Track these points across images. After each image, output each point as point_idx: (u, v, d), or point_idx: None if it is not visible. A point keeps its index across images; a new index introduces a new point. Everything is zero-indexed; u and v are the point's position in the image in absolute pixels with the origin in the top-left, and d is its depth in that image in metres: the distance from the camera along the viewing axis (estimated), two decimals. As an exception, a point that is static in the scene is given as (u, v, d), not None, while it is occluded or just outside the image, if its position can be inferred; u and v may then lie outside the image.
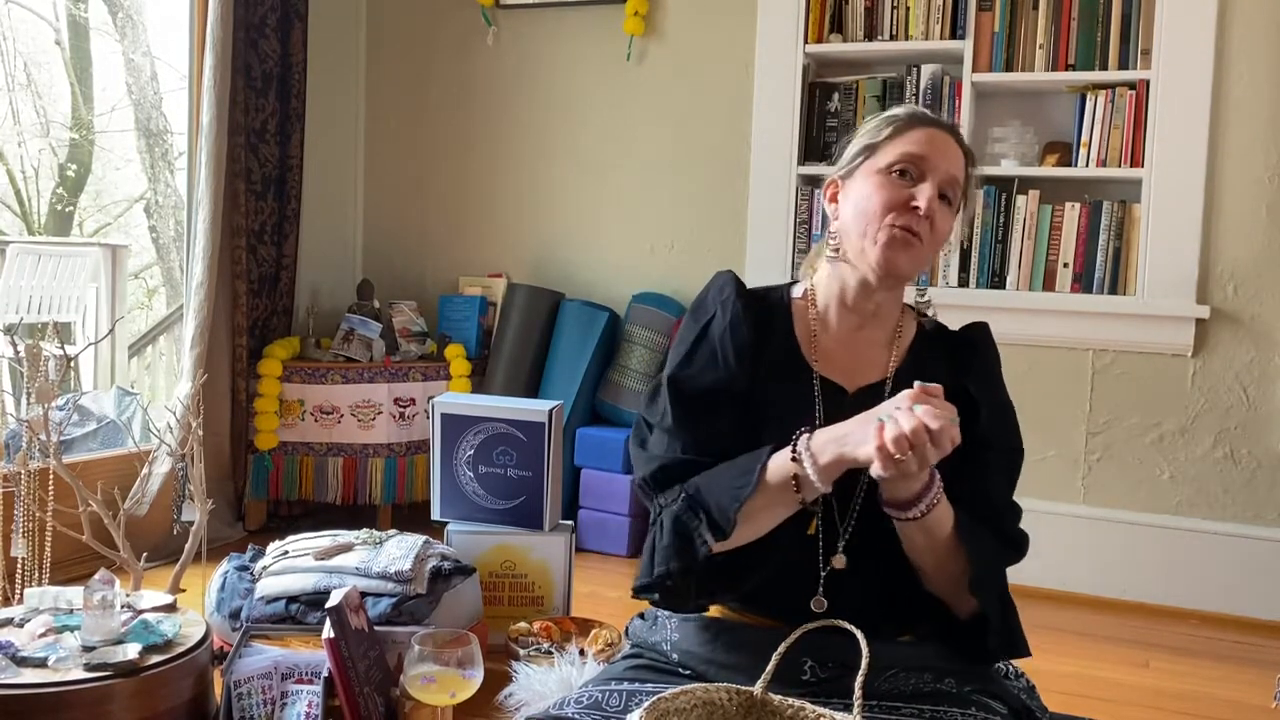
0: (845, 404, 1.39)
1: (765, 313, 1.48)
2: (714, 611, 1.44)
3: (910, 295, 1.52)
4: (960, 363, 1.46)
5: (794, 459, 1.29)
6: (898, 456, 1.19)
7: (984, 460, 1.39)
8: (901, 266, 1.39)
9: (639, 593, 1.38)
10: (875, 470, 1.21)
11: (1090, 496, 3.17)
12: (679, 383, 1.42)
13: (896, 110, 1.45)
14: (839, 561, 1.36)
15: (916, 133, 1.41)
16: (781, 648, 1.23)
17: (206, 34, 3.19)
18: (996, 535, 1.38)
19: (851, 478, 1.35)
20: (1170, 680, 2.55)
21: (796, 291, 1.51)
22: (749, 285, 1.51)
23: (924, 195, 1.37)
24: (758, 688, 1.21)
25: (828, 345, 1.45)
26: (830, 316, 1.45)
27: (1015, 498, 1.44)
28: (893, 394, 1.38)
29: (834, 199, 1.48)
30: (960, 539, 1.32)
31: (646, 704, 1.17)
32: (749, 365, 1.41)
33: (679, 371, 1.43)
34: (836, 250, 1.45)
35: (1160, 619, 2.99)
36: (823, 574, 1.37)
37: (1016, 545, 1.41)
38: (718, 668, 1.37)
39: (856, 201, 1.42)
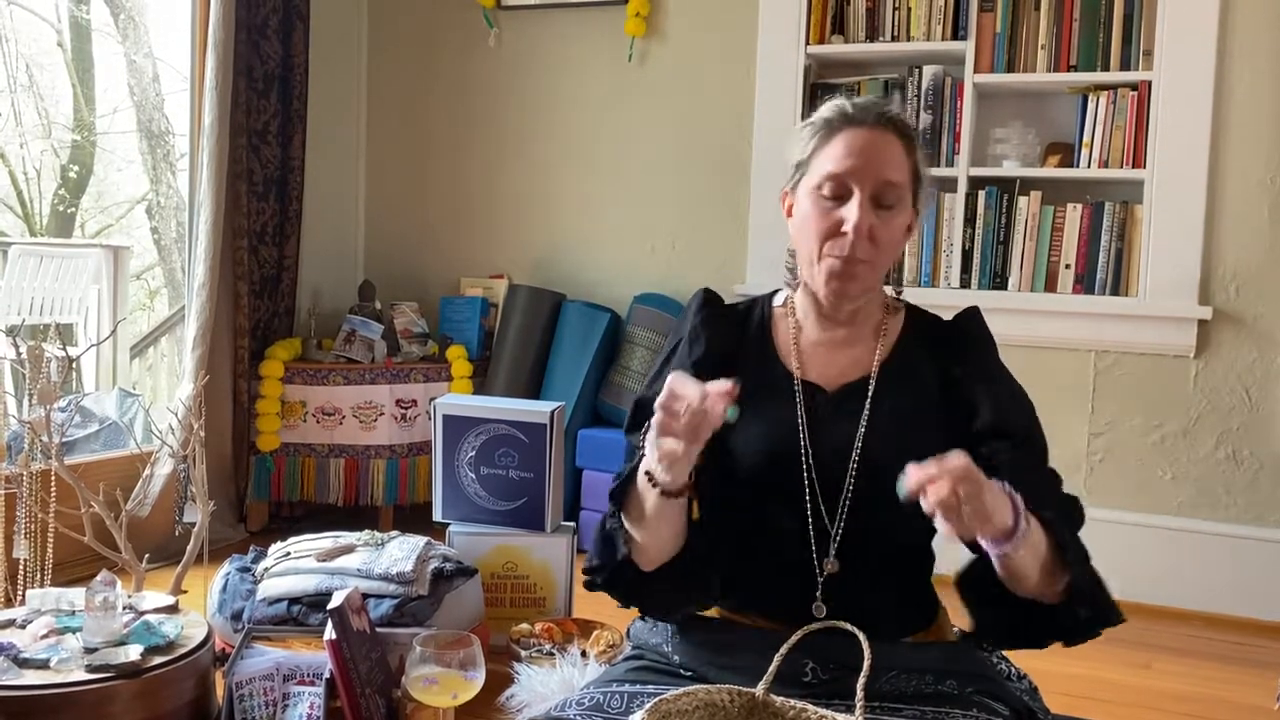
0: (825, 403, 1.41)
1: (739, 326, 1.49)
2: (714, 613, 1.44)
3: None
4: (951, 351, 1.44)
5: (639, 448, 1.32)
6: None
7: (1008, 450, 1.36)
8: (850, 293, 1.39)
9: (590, 588, 1.43)
10: (943, 531, 1.15)
11: (1092, 497, 3.16)
12: (640, 405, 1.46)
13: (823, 112, 1.40)
14: (831, 565, 1.36)
15: (838, 142, 1.36)
16: (784, 649, 1.23)
17: (208, 35, 3.19)
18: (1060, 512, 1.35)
19: (838, 476, 1.36)
20: (1172, 681, 2.55)
21: (778, 300, 1.52)
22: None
23: (851, 219, 1.33)
24: (759, 689, 1.21)
25: (809, 350, 1.46)
26: (808, 324, 1.47)
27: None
28: (876, 390, 1.40)
29: (789, 212, 1.45)
30: (1052, 535, 1.27)
31: (649, 705, 1.17)
32: (715, 376, 1.36)
33: (643, 394, 1.47)
34: (793, 272, 1.47)
35: (1162, 620, 2.99)
36: (820, 578, 1.37)
37: (1081, 514, 1.40)
38: (718, 669, 1.37)
39: (797, 224, 1.41)
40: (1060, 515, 1.31)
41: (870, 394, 1.40)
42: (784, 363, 1.45)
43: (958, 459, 1.13)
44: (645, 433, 1.29)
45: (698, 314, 1.50)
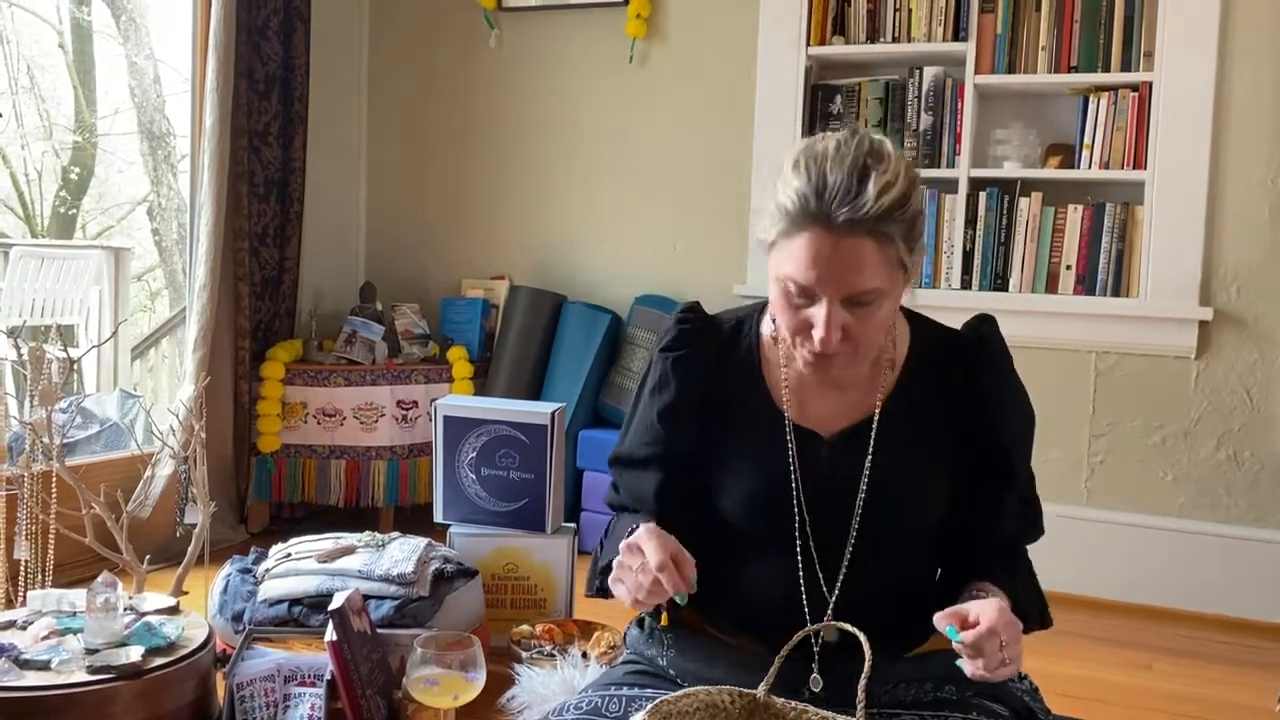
0: (823, 451, 1.32)
1: (722, 354, 1.39)
2: (711, 631, 1.41)
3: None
4: (966, 369, 1.34)
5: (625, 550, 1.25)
6: None
7: (1010, 468, 1.35)
8: (835, 375, 1.30)
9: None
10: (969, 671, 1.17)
11: (1093, 498, 3.16)
12: (616, 462, 1.44)
13: (787, 195, 1.20)
14: (829, 634, 1.30)
15: (801, 244, 1.19)
16: (784, 650, 1.23)
17: (209, 37, 3.20)
18: (1027, 525, 1.39)
19: (838, 531, 1.31)
20: (1173, 683, 2.55)
21: (766, 327, 1.39)
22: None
23: (819, 329, 1.20)
24: (761, 690, 1.21)
25: (802, 389, 1.34)
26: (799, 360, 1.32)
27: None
28: (879, 433, 1.31)
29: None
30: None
31: (649, 706, 1.16)
32: (691, 425, 1.36)
33: (618, 450, 1.44)
34: (775, 324, 1.33)
35: (1163, 621, 2.99)
36: (816, 648, 1.30)
37: (1038, 523, 1.42)
38: (714, 685, 1.36)
39: (771, 299, 1.28)
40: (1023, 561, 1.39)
41: (873, 439, 1.30)
42: (775, 401, 1.35)
43: (995, 612, 1.15)
44: (632, 530, 1.26)
45: (666, 351, 1.38)
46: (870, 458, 1.30)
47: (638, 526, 1.26)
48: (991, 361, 1.36)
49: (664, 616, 1.41)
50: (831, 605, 1.31)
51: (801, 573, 1.32)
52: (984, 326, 1.38)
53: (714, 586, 1.37)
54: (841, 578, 1.31)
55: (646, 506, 1.40)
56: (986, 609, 1.15)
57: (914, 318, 1.39)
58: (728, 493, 1.36)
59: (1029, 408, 1.39)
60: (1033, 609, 1.35)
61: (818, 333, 1.21)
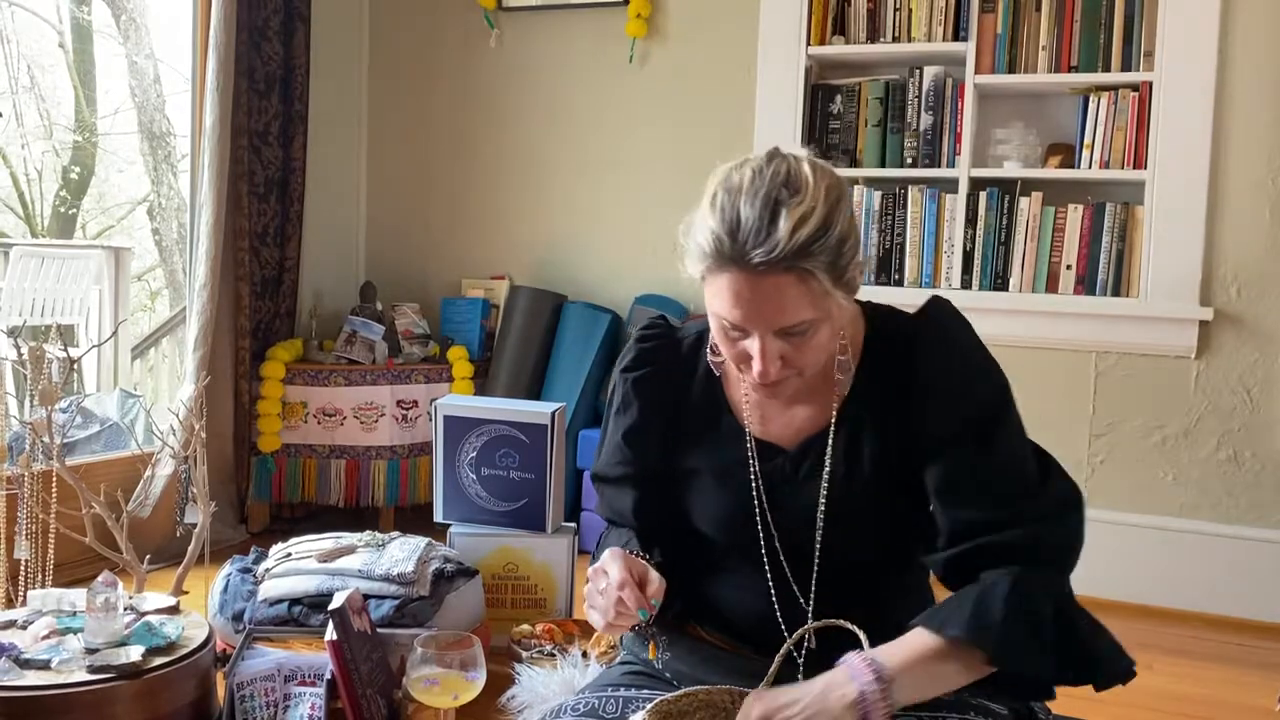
0: (785, 465, 1.31)
1: (684, 371, 1.38)
2: (706, 636, 1.42)
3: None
4: (913, 360, 1.27)
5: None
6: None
7: (944, 463, 1.24)
8: (784, 395, 1.29)
9: None
10: None
11: (1093, 499, 3.16)
12: (595, 476, 1.47)
13: (703, 234, 1.18)
14: (812, 642, 1.31)
15: (723, 284, 1.16)
16: (784, 649, 1.23)
17: (209, 36, 3.20)
18: (1008, 556, 1.19)
19: (805, 543, 1.29)
20: (1173, 683, 2.54)
21: None
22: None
23: (755, 363, 1.19)
24: (760, 690, 1.21)
25: (761, 401, 1.33)
26: None
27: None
28: (835, 441, 1.27)
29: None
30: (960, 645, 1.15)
31: (650, 705, 1.16)
32: (656, 444, 1.38)
33: (595, 467, 1.47)
34: (718, 353, 1.30)
35: (1163, 621, 2.99)
36: (800, 660, 1.30)
37: (1039, 552, 1.20)
38: (709, 685, 1.36)
39: (712, 330, 1.26)
40: (990, 592, 1.17)
41: (829, 449, 1.28)
42: (736, 417, 1.34)
43: (757, 709, 1.10)
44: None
45: (626, 371, 1.39)
46: (828, 468, 1.29)
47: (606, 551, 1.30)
48: (929, 350, 1.27)
49: (652, 648, 1.42)
50: (810, 617, 1.31)
51: (773, 586, 1.32)
52: (929, 308, 1.31)
53: (697, 597, 1.39)
54: (813, 590, 1.31)
55: (627, 522, 1.42)
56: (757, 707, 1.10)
57: (872, 313, 1.34)
58: (696, 510, 1.36)
59: (983, 386, 1.26)
60: (986, 643, 1.16)
61: (755, 365, 1.19)
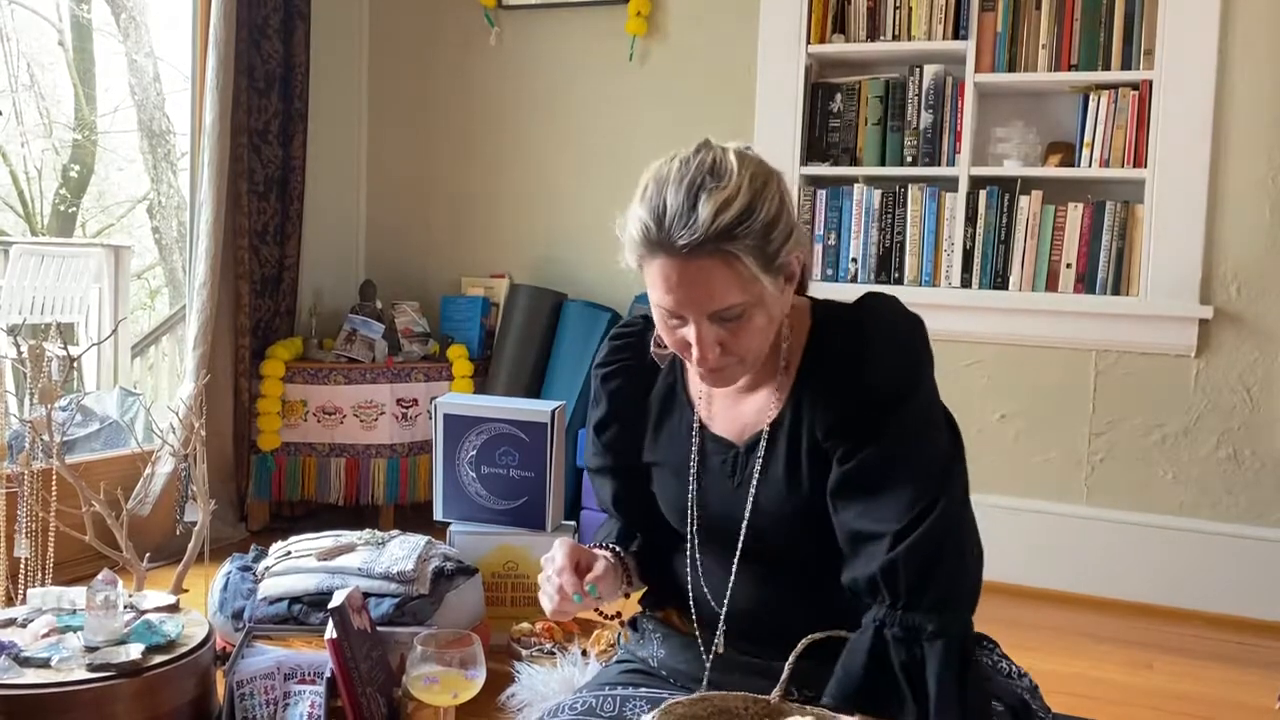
0: (735, 459, 1.33)
1: (653, 368, 1.41)
2: (681, 627, 1.44)
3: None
4: (839, 371, 1.26)
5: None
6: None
7: (847, 463, 1.22)
8: (732, 383, 1.29)
9: None
10: None
11: (1093, 497, 3.16)
12: (586, 469, 1.54)
13: (633, 223, 1.21)
14: (718, 646, 1.35)
15: (655, 271, 1.19)
16: (791, 658, 1.22)
17: (209, 35, 3.19)
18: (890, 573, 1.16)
19: (728, 543, 1.32)
20: (1173, 681, 2.54)
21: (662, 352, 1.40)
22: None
23: (695, 351, 1.21)
24: (775, 695, 1.20)
25: (720, 400, 1.36)
26: None
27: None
28: (769, 440, 1.29)
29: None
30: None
31: (662, 706, 1.16)
32: (626, 438, 1.43)
33: (586, 461, 1.52)
34: (663, 345, 1.31)
35: (1163, 620, 2.99)
36: (707, 656, 1.36)
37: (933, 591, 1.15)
38: (704, 685, 1.37)
39: (655, 319, 1.28)
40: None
41: (761, 452, 1.29)
42: (694, 413, 1.37)
43: None
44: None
45: (599, 368, 1.45)
46: (758, 472, 1.30)
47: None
48: (858, 354, 1.24)
49: (625, 634, 1.50)
50: (722, 616, 1.34)
51: (704, 580, 1.37)
52: (864, 301, 1.30)
53: (671, 582, 1.44)
54: (730, 589, 1.34)
55: (609, 511, 1.50)
56: None
57: (817, 310, 1.34)
58: (659, 500, 1.42)
59: (906, 414, 1.21)
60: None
61: (694, 351, 1.21)
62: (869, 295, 1.30)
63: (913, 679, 1.13)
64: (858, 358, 1.23)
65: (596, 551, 1.36)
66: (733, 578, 1.33)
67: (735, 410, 1.34)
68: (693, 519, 1.35)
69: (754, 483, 1.30)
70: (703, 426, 1.36)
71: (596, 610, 1.39)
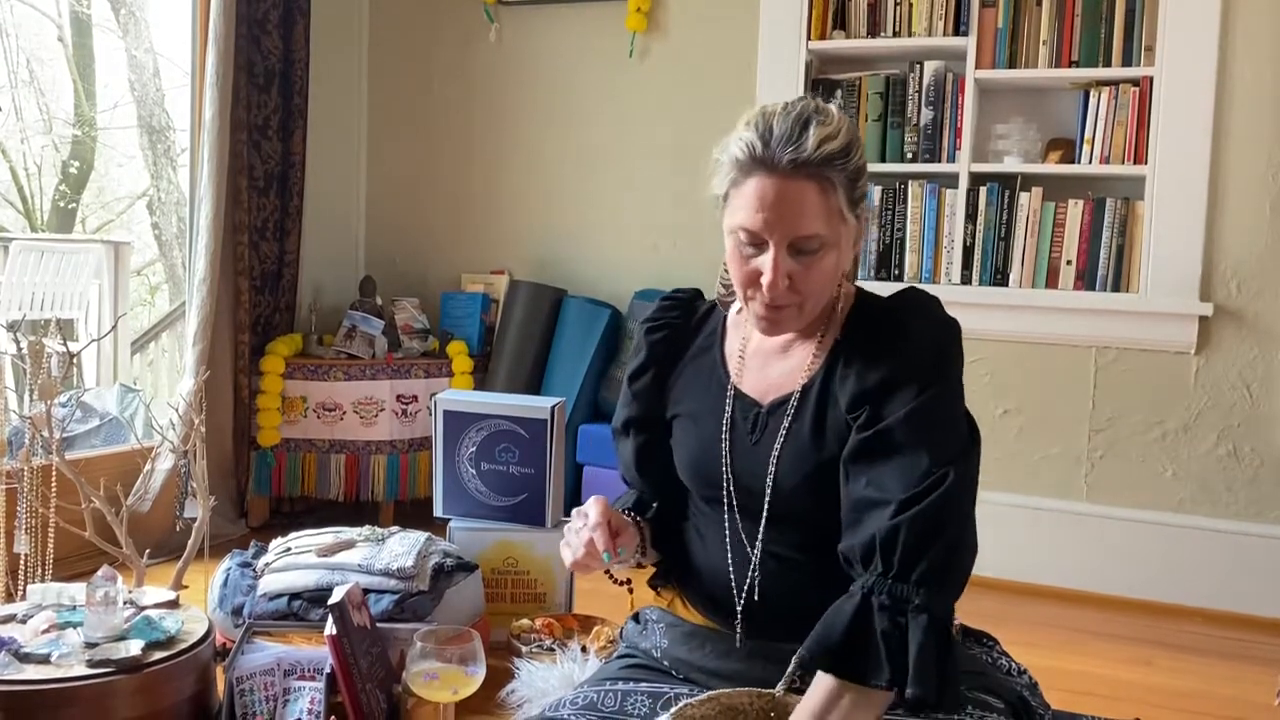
0: (758, 418, 1.37)
1: (692, 330, 1.49)
2: (699, 620, 1.44)
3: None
4: (873, 349, 1.31)
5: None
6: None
7: (865, 432, 1.25)
8: (785, 332, 1.34)
9: None
10: None
11: (1093, 494, 3.16)
12: (613, 431, 1.57)
13: (736, 145, 1.27)
14: (749, 593, 1.35)
15: (749, 190, 1.25)
16: (801, 649, 1.22)
17: (209, 30, 3.19)
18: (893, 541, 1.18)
19: (757, 497, 1.34)
20: (1173, 678, 2.55)
21: (735, 306, 1.45)
22: (715, 297, 1.50)
23: (766, 273, 1.26)
24: (779, 689, 1.20)
25: (752, 359, 1.41)
26: (755, 335, 1.41)
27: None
28: (799, 405, 1.33)
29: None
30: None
31: (673, 710, 1.17)
32: (656, 390, 1.47)
33: (614, 422, 1.56)
34: (728, 288, 1.40)
35: (1163, 616, 2.99)
36: (738, 606, 1.36)
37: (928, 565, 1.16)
38: (706, 674, 1.37)
39: (726, 256, 1.34)
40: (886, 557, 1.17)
41: (790, 413, 1.34)
42: (726, 371, 1.42)
43: None
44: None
45: (646, 322, 1.51)
46: (784, 431, 1.33)
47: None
48: (892, 339, 1.29)
49: (630, 599, 1.51)
50: (750, 574, 1.35)
51: (728, 535, 1.37)
52: (906, 293, 1.36)
53: (678, 553, 1.46)
54: (759, 545, 1.35)
55: (630, 473, 1.52)
56: None
57: (861, 294, 1.40)
58: (678, 454, 1.44)
59: (927, 396, 1.24)
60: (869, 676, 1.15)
61: (765, 278, 1.26)
62: (912, 289, 1.36)
63: (892, 647, 1.14)
64: (896, 338, 1.29)
65: (624, 517, 1.42)
66: (760, 543, 1.34)
67: (764, 371, 1.39)
68: (727, 478, 1.37)
69: (778, 441, 1.33)
70: (734, 386, 1.41)
71: (607, 572, 1.44)
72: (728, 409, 1.39)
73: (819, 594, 1.24)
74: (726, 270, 1.37)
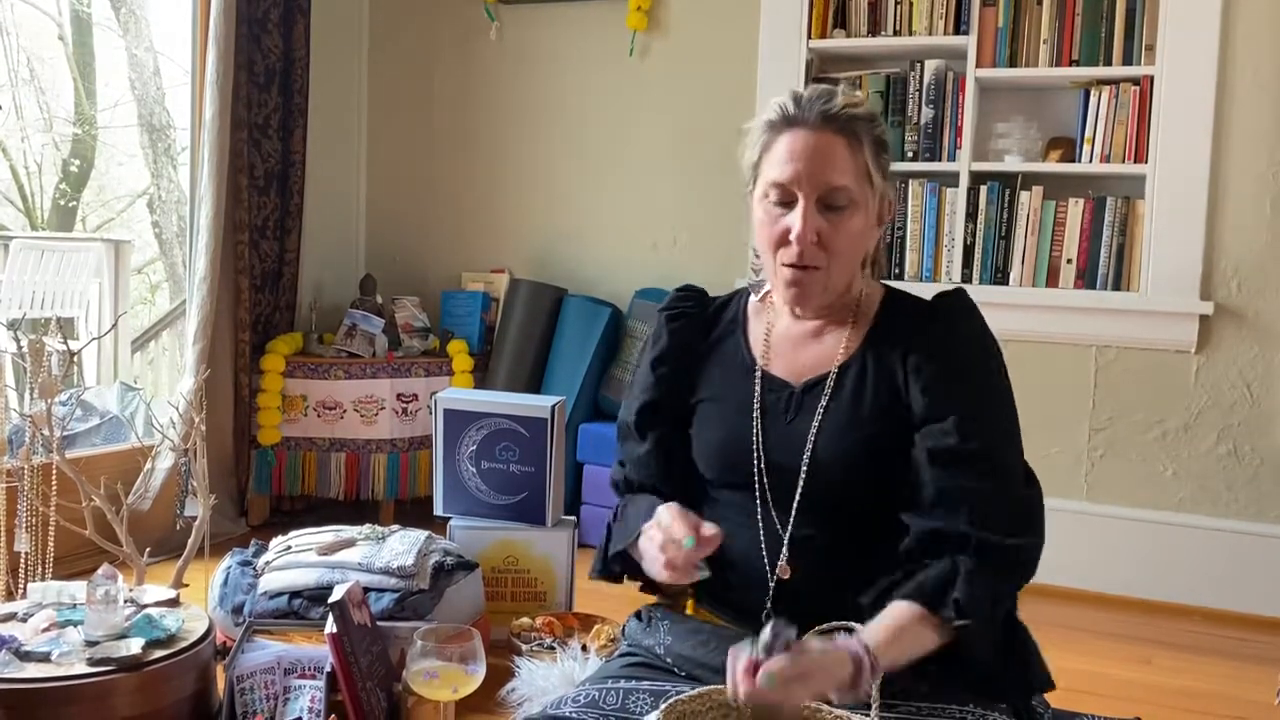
0: (790, 398, 1.39)
1: (712, 319, 1.51)
2: (704, 616, 1.44)
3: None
4: (925, 338, 1.36)
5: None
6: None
7: (920, 450, 1.30)
8: (811, 300, 1.38)
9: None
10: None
11: (1093, 493, 3.16)
12: (619, 427, 1.54)
13: (767, 111, 1.36)
14: (782, 570, 1.35)
15: (780, 145, 1.33)
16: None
17: (209, 29, 3.19)
18: (972, 551, 1.25)
19: (790, 476, 1.35)
20: (1173, 677, 2.55)
21: (758, 292, 1.50)
22: (747, 284, 1.52)
23: (796, 228, 1.31)
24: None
25: (779, 343, 1.44)
26: (783, 317, 1.45)
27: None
28: (835, 386, 1.36)
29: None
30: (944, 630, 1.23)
31: (664, 705, 1.17)
32: (674, 375, 1.47)
33: (620, 416, 1.54)
34: (758, 273, 1.44)
35: (1163, 615, 2.99)
36: (771, 582, 1.35)
37: (996, 558, 1.25)
38: (710, 671, 1.36)
39: (755, 229, 1.39)
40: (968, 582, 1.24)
41: (828, 391, 1.37)
42: (751, 354, 1.45)
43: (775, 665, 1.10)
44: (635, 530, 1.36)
45: (664, 310, 1.53)
46: (822, 405, 1.36)
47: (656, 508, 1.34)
48: (946, 333, 1.36)
49: (689, 605, 1.46)
50: (783, 554, 1.35)
51: (760, 517, 1.37)
52: (951, 298, 1.41)
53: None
54: (791, 525, 1.35)
55: (644, 470, 1.48)
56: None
57: (889, 288, 1.46)
58: (700, 441, 1.44)
59: (990, 389, 1.35)
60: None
61: (795, 231, 1.30)
62: (960, 290, 1.42)
63: (973, 586, 1.23)
64: (945, 325, 1.36)
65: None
66: (790, 524, 1.35)
67: (794, 355, 1.42)
68: (758, 459, 1.37)
69: (816, 419, 1.35)
70: (761, 369, 1.42)
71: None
72: (756, 391, 1.40)
73: (850, 572, 1.29)
74: (758, 255, 1.42)
